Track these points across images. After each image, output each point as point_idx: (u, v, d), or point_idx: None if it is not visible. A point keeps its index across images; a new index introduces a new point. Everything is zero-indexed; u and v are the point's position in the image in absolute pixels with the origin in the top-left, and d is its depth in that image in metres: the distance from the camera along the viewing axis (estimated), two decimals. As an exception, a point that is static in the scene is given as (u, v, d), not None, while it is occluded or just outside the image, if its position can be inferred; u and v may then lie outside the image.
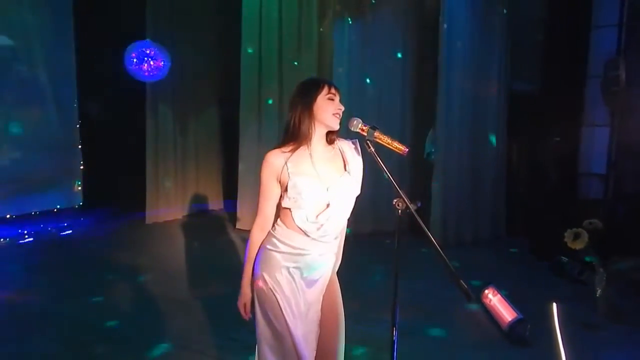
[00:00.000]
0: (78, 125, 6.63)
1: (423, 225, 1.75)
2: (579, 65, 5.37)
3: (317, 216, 1.80)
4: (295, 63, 6.02)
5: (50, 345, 3.20)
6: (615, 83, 4.91)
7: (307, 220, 1.80)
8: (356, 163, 1.91)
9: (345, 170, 1.88)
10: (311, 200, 1.79)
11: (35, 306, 3.84)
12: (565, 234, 4.17)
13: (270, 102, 6.14)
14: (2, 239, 5.59)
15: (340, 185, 1.84)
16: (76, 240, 5.85)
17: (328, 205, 1.81)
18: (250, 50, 6.10)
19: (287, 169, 1.79)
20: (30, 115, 6.18)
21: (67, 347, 3.18)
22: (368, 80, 5.95)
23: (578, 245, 4.09)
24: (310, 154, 1.83)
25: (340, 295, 1.99)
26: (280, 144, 1.85)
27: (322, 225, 1.81)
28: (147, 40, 5.34)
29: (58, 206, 6.56)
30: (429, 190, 5.66)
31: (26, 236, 5.75)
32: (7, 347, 3.18)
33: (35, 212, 6.29)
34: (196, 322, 3.58)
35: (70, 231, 6.06)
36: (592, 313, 3.72)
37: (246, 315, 1.92)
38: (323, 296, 1.92)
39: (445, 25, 5.44)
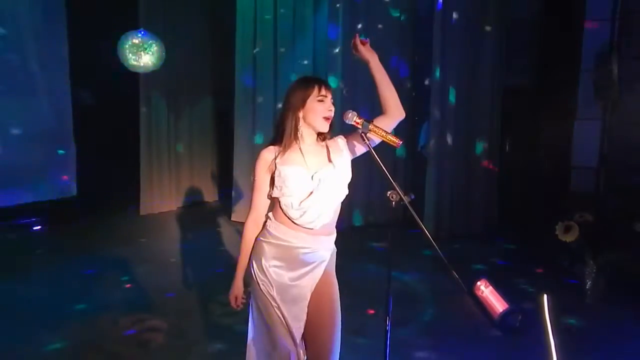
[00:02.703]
0: (71, 116, 6.57)
1: (417, 217, 1.77)
2: (572, 59, 5.39)
3: (300, 203, 1.85)
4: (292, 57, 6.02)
5: (47, 338, 3.21)
6: (608, 77, 4.94)
7: (292, 207, 1.85)
8: (341, 158, 1.93)
9: (330, 162, 1.91)
10: (295, 187, 1.85)
11: (31, 297, 3.85)
12: (557, 227, 4.22)
13: (262, 97, 6.13)
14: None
15: (324, 175, 1.87)
16: (70, 231, 5.83)
17: (312, 193, 1.85)
18: (244, 41, 6.07)
19: (276, 160, 1.87)
20: (23, 105, 6.11)
21: (66, 339, 3.20)
22: (362, 73, 5.94)
23: (569, 238, 4.15)
24: (300, 148, 1.89)
25: (338, 295, 1.99)
26: (273, 141, 1.92)
27: (305, 212, 1.85)
28: (141, 29, 5.28)
29: (51, 197, 6.52)
30: (423, 182, 5.69)
31: (20, 227, 5.72)
32: (5, 339, 3.19)
33: (28, 203, 6.25)
34: (190, 313, 3.60)
35: (65, 222, 6.04)
36: (582, 304, 3.78)
37: (236, 306, 1.98)
38: (319, 294, 1.93)
39: (439, 19, 5.45)
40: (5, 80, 5.94)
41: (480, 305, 3.66)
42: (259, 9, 5.99)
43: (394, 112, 1.93)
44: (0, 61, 5.88)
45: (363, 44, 1.93)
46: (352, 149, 1.98)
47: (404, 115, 1.96)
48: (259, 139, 6.09)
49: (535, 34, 5.98)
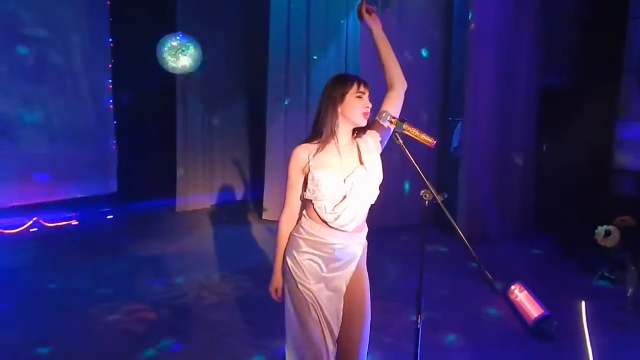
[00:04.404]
0: (113, 116, 6.84)
1: (450, 216, 1.76)
2: (614, 57, 5.20)
3: (334, 207, 1.86)
4: (315, 57, 6.08)
5: (86, 328, 3.36)
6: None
7: (325, 210, 1.87)
8: (372, 158, 1.93)
9: (362, 164, 1.91)
10: (328, 192, 1.85)
11: (71, 291, 4.02)
12: (596, 231, 4.09)
13: (296, 94, 6.19)
14: (45, 224, 5.84)
15: (357, 178, 1.87)
16: (110, 226, 6.08)
17: (345, 197, 1.86)
18: (277, 43, 6.16)
19: (309, 162, 1.87)
20: (68, 105, 6.41)
21: (102, 330, 3.34)
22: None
23: (609, 243, 4.02)
24: (337, 147, 1.89)
25: (368, 290, 2.03)
26: (308, 138, 1.93)
27: (339, 215, 1.87)
28: (179, 32, 5.44)
29: (92, 193, 6.80)
30: (456, 183, 5.61)
31: (62, 222, 5.99)
32: (43, 326, 3.36)
33: (70, 199, 6.53)
34: (225, 307, 3.69)
35: (105, 217, 6.31)
36: (621, 311, 3.65)
37: (277, 298, 2.04)
38: (351, 288, 1.97)
39: (474, 17, 5.35)
40: (52, 82, 6.24)
41: (514, 309, 3.59)
42: (292, 10, 6.05)
43: (398, 84, 1.98)
44: (49, 64, 6.19)
45: (369, 12, 1.95)
46: (381, 143, 2.01)
47: (406, 85, 2.01)
48: (290, 139, 6.15)
49: (576, 31, 5.79)
